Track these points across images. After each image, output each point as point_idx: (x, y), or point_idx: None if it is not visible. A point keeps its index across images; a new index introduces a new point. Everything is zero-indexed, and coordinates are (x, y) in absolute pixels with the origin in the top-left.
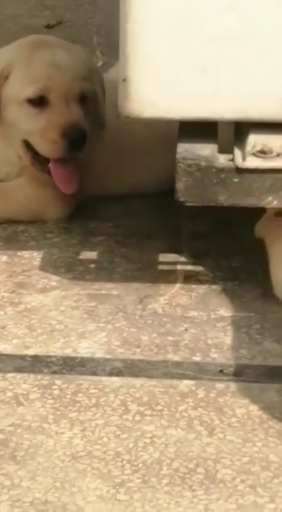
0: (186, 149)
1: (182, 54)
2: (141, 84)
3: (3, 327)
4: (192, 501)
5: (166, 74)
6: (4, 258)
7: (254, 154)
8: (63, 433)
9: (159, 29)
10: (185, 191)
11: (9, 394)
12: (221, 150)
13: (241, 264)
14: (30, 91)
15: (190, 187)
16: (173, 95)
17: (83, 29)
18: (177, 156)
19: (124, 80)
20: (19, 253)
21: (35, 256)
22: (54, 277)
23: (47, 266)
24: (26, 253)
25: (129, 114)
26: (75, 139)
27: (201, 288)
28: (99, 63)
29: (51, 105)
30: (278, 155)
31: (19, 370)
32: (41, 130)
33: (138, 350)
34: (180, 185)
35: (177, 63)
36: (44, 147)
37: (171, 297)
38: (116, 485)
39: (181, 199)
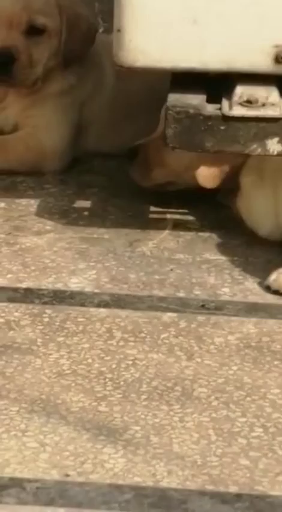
0: (176, 98)
1: (174, 5)
2: (135, 34)
3: None
4: (168, 414)
5: (158, 25)
6: (2, 205)
7: (240, 104)
8: (50, 354)
9: None
10: (173, 137)
11: (1, 320)
12: (210, 101)
13: (228, 215)
14: None
15: (178, 134)
16: (164, 45)
17: None
18: (167, 104)
19: (118, 31)
20: (17, 200)
21: (31, 204)
22: (49, 222)
23: (42, 212)
24: (23, 201)
25: (122, 63)
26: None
27: (189, 235)
28: (101, 30)
29: None
30: (263, 105)
31: (12, 300)
32: None
33: (125, 286)
34: (169, 131)
35: (169, 14)
36: None
37: (160, 242)
38: (97, 399)
39: (170, 145)
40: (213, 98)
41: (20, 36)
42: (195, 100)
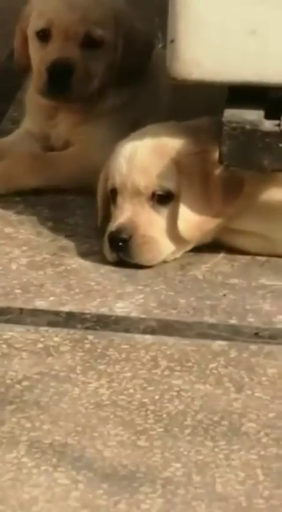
0: (232, 114)
1: (231, 16)
2: (190, 45)
3: (41, 285)
4: (213, 450)
5: (214, 36)
6: (49, 224)
7: None
8: (89, 383)
9: None
10: (228, 154)
11: (40, 345)
12: (269, 116)
13: None
14: (36, 24)
15: (234, 151)
16: (220, 57)
17: (146, 11)
18: (223, 119)
19: (172, 41)
20: (65, 220)
21: (80, 223)
22: (97, 243)
23: (90, 233)
24: (71, 220)
25: (176, 76)
26: (56, 75)
27: (245, 259)
28: (160, 45)
29: (52, 40)
30: None
31: (52, 324)
32: (38, 63)
33: (174, 311)
34: (224, 149)
35: (226, 25)
36: (33, 81)
37: (213, 265)
38: (137, 432)
39: (225, 163)
40: (272, 113)
41: (76, 48)
42: (252, 115)
